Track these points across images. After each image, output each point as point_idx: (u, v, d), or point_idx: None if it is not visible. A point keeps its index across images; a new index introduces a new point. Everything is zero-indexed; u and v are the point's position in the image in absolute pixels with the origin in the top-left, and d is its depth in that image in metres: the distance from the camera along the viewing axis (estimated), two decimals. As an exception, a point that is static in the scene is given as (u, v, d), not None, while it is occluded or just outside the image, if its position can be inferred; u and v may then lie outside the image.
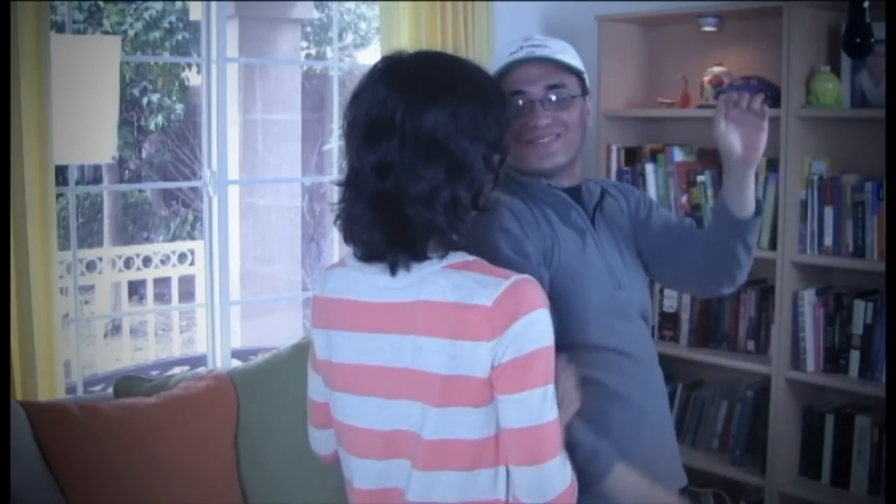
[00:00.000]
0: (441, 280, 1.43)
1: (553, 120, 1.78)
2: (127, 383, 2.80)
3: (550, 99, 1.78)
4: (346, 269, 1.54)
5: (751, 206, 1.81)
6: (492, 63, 1.82)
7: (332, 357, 1.54)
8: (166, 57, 8.23)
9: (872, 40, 2.07)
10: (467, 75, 1.49)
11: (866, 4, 2.04)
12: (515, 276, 1.43)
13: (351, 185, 1.48)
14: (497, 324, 1.40)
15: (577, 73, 1.83)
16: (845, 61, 3.13)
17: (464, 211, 1.45)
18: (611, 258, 1.85)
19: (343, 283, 1.53)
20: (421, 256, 1.44)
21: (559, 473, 1.44)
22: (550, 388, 1.44)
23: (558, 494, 1.44)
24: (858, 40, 2.07)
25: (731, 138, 1.73)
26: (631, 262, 1.92)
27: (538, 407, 1.42)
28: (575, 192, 1.87)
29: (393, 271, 1.45)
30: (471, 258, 1.47)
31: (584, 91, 1.86)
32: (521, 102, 1.77)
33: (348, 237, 1.50)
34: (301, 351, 2.73)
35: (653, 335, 2.01)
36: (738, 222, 1.81)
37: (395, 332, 1.46)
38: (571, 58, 1.82)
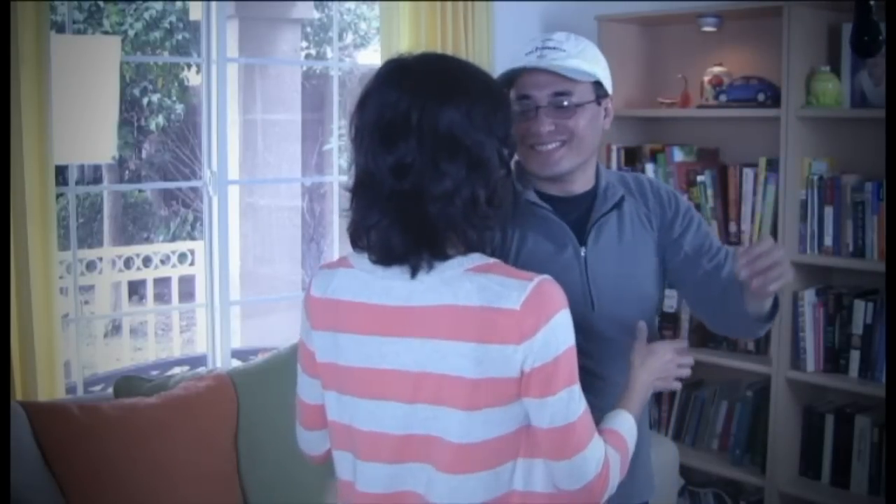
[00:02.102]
0: (465, 283, 1.42)
1: (557, 127, 1.74)
2: (127, 383, 2.80)
3: (554, 106, 1.74)
4: (352, 270, 1.51)
5: (766, 307, 1.78)
6: (511, 60, 1.78)
7: (338, 360, 1.52)
8: (166, 57, 8.22)
9: (880, 38, 2.06)
10: (473, 75, 1.50)
11: (872, 2, 2.03)
12: (537, 277, 1.44)
13: (363, 189, 1.46)
14: (526, 327, 1.40)
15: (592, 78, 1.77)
16: (845, 61, 3.13)
17: (482, 207, 1.45)
18: (597, 274, 1.79)
19: (351, 285, 1.50)
20: (442, 256, 1.44)
21: (593, 459, 1.47)
22: (576, 386, 1.46)
23: (591, 480, 1.48)
24: (866, 38, 2.06)
25: (746, 278, 1.66)
26: (635, 277, 1.84)
27: (567, 407, 1.44)
28: (584, 198, 1.83)
29: (414, 273, 1.44)
30: (491, 260, 1.47)
31: (602, 94, 1.79)
32: (528, 107, 1.74)
33: (362, 242, 1.48)
34: (301, 351, 2.73)
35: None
36: (751, 317, 1.78)
37: (413, 335, 1.44)
38: (587, 62, 1.75)
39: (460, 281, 1.43)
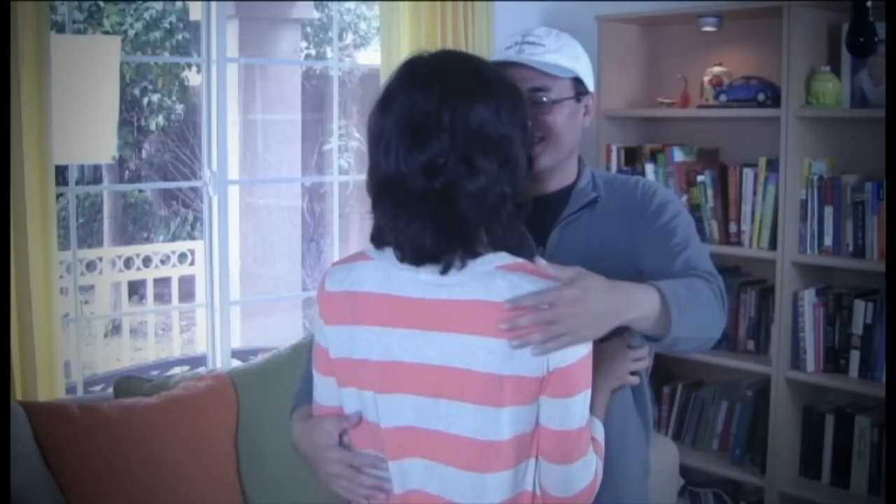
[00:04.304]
0: (497, 280, 1.42)
1: (534, 123, 1.68)
2: (127, 383, 2.80)
3: (532, 101, 1.69)
4: (373, 261, 1.50)
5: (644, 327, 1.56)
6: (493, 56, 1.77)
7: (353, 354, 1.50)
8: (166, 57, 8.22)
9: (876, 39, 2.07)
10: (492, 72, 1.51)
11: (869, 3, 2.04)
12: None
13: (389, 190, 1.45)
14: None
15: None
16: (845, 61, 3.13)
17: (510, 204, 1.46)
18: None
19: (373, 277, 1.49)
20: (473, 254, 1.44)
21: (586, 469, 1.48)
22: (590, 391, 1.47)
23: (582, 489, 1.48)
24: (862, 40, 2.08)
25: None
26: None
27: (580, 411, 1.45)
28: (556, 197, 1.78)
29: (445, 270, 1.43)
30: (520, 260, 1.46)
31: (582, 91, 1.76)
32: None
33: (389, 242, 1.47)
34: (301, 351, 2.72)
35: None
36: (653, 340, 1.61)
37: (439, 329, 1.43)
38: (566, 58, 1.73)
39: (492, 277, 1.42)
